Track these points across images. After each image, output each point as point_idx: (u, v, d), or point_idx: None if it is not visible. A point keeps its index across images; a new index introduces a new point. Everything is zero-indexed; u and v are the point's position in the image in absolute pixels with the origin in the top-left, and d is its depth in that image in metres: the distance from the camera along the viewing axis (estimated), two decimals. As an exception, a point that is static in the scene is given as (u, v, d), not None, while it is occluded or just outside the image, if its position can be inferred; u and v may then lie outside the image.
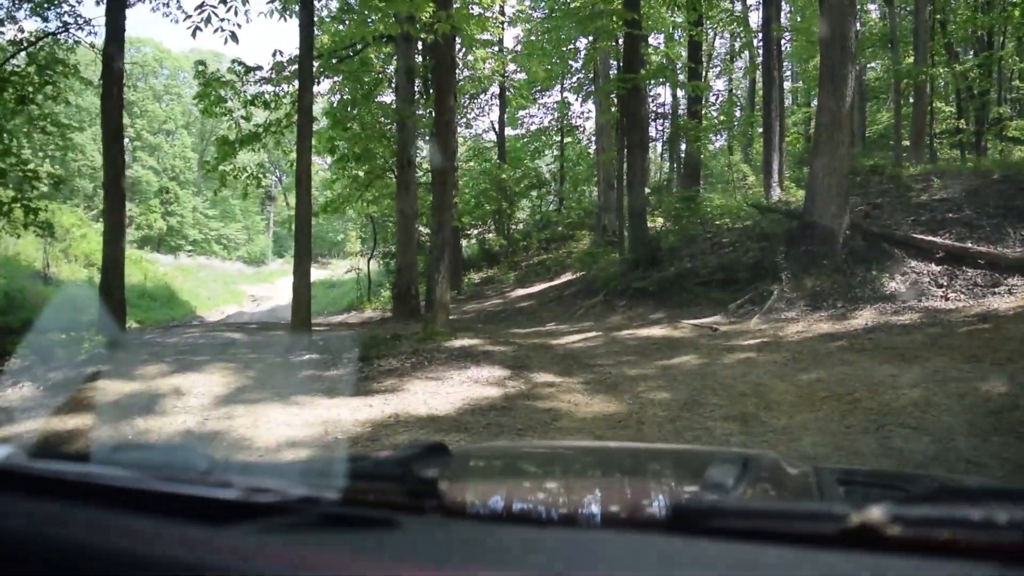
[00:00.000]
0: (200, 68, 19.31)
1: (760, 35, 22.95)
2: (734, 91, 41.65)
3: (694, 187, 22.82)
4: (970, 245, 13.50)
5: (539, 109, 35.45)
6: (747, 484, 1.61)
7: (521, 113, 34.81)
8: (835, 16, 13.83)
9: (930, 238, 13.84)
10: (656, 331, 13.03)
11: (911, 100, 26.78)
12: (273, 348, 13.31)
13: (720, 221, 17.88)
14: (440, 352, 11.29)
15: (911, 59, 26.53)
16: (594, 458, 2.68)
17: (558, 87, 33.98)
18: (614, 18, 16.27)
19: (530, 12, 28.20)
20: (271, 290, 41.84)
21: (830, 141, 13.88)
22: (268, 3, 16.87)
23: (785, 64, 40.56)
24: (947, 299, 12.43)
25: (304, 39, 13.36)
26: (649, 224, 20.16)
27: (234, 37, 15.20)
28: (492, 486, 2.07)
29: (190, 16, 14.89)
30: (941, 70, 29.60)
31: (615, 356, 11.00)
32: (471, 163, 31.82)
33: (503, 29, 27.82)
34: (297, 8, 14.76)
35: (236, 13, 16.73)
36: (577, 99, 32.21)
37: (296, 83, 20.02)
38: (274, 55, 19.36)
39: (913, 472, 4.70)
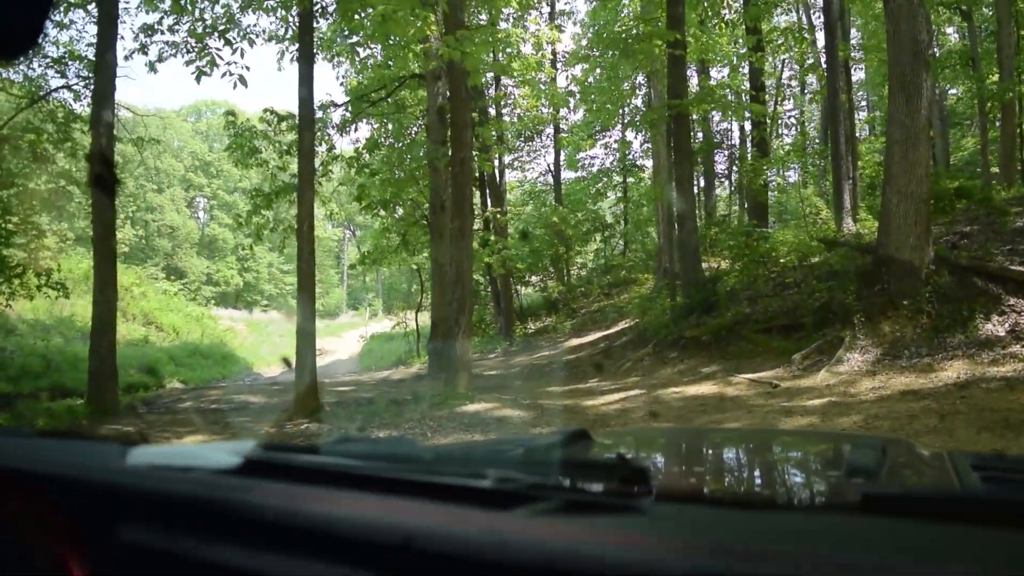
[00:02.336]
0: (230, 118, 18.21)
1: (824, 55, 20.80)
2: (806, 123, 39.24)
3: (760, 224, 20.74)
4: (1082, 277, 11.17)
5: (601, 150, 33.70)
6: (889, 468, 1.67)
7: (581, 155, 33.09)
8: (902, 14, 11.79)
9: (1031, 270, 11.55)
10: (706, 388, 11.04)
11: (997, 123, 24.53)
12: (277, 414, 11.83)
13: (785, 259, 15.73)
14: (450, 420, 9.60)
15: (995, 78, 24.10)
16: (741, 441, 2.88)
17: (619, 127, 32.24)
18: (657, 41, 14.48)
19: (583, 49, 26.43)
20: (337, 343, 40.75)
21: (904, 160, 11.76)
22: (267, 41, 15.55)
23: (860, 94, 38.31)
24: (1060, 344, 10.15)
25: (303, 73, 11.92)
26: (710, 265, 18.17)
27: (242, 80, 14.02)
28: (679, 470, 2.08)
29: (193, 61, 13.78)
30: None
31: (650, 422, 9.06)
32: (528, 207, 30.15)
33: (548, 63, 26.22)
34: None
35: (242, 55, 15.52)
36: (635, 137, 30.32)
37: (332, 131, 18.93)
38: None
39: None
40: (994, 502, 1.08)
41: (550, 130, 29.08)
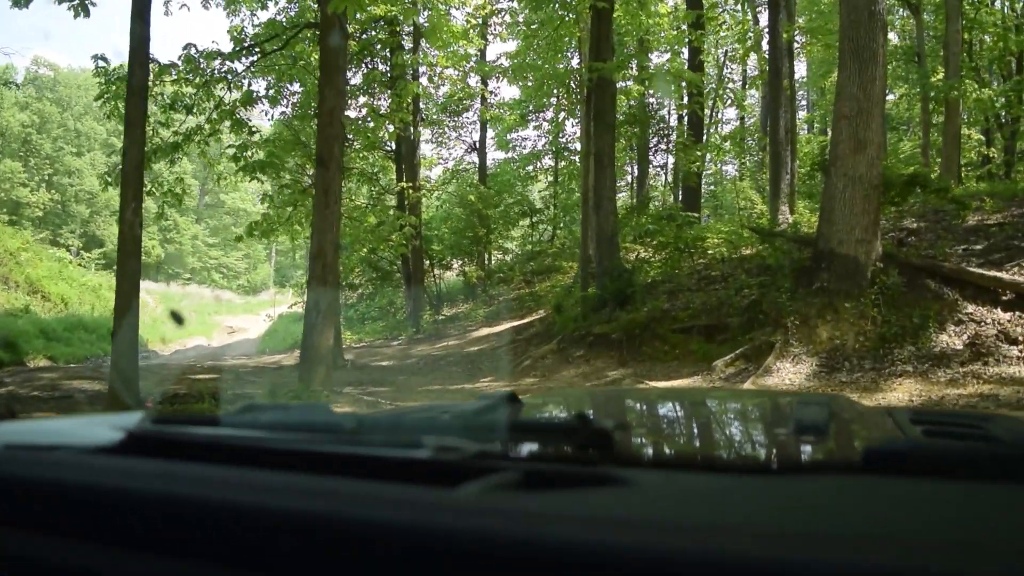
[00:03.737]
0: (102, 66, 15.59)
1: (767, 34, 18.89)
2: (745, 118, 37.65)
3: (691, 212, 18.85)
4: (1051, 284, 9.35)
5: (533, 131, 31.58)
6: (838, 424, 1.64)
7: (512, 135, 30.89)
8: (860, -29, 9.83)
9: (994, 273, 9.69)
10: (609, 398, 8.96)
11: (936, 122, 23.34)
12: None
13: (713, 251, 13.77)
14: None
15: (940, 76, 22.74)
16: (682, 400, 2.72)
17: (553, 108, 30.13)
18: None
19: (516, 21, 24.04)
20: (253, 322, 38.10)
21: (853, 139, 9.82)
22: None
23: (801, 93, 36.72)
24: (1026, 361, 8.28)
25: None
26: (638, 256, 16.15)
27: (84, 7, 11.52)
28: (641, 432, 1.82)
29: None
30: (975, 86, 25.99)
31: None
32: (449, 187, 27.84)
33: (477, 33, 23.94)
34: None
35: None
36: (567, 120, 28.15)
37: (222, 84, 16.39)
38: (186, 48, 15.50)
39: (979, 412, 4.36)
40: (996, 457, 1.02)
41: (480, 106, 26.75)
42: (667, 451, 1.62)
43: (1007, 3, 33.03)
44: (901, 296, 9.55)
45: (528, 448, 1.15)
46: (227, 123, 14.83)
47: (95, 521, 0.87)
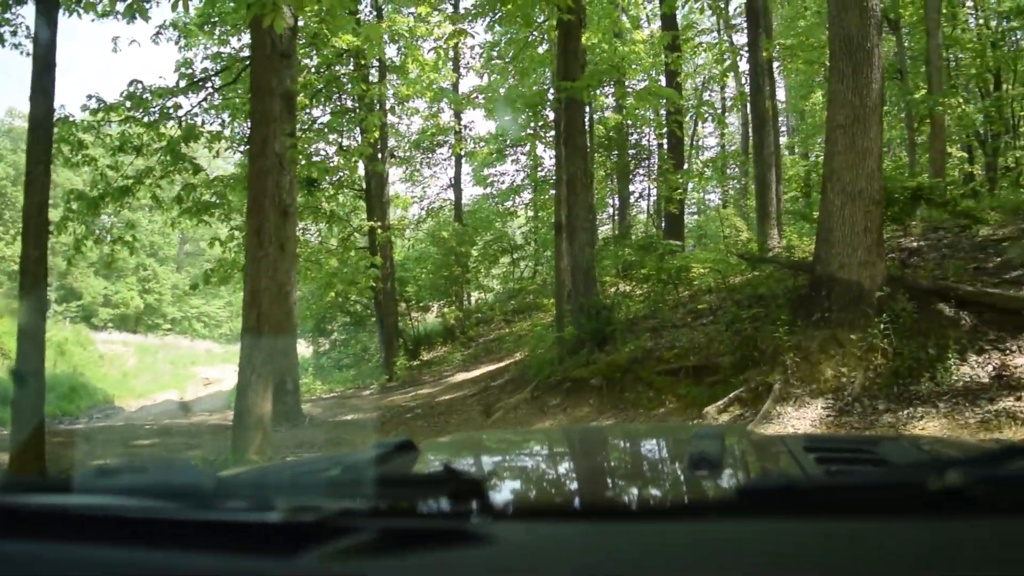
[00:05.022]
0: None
1: (747, 52, 17.87)
2: (725, 145, 36.78)
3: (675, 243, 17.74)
4: (1082, 304, 8.16)
5: (512, 165, 30.55)
6: (733, 456, 1.66)
7: (489, 171, 29.81)
8: (849, -37, 8.74)
9: (1015, 293, 8.51)
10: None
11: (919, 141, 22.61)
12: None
13: (699, 281, 12.56)
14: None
15: (923, 92, 21.96)
16: (580, 442, 2.56)
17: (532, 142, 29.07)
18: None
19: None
20: (231, 372, 36.64)
21: (851, 150, 8.66)
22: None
23: (781, 119, 35.86)
24: (1067, 395, 7.06)
25: (40, 22, 8.34)
26: (619, 290, 14.94)
27: None
28: (513, 480, 1.81)
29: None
30: (959, 101, 25.21)
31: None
32: (423, 225, 26.65)
33: (450, 66, 22.90)
34: None
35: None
36: (545, 151, 27.09)
37: (171, 123, 15.20)
38: (131, 85, 14.34)
39: (872, 436, 4.30)
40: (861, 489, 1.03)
41: (454, 141, 25.63)
42: (542, 498, 1.54)
43: (982, 20, 32.61)
44: (913, 324, 8.34)
45: (393, 504, 1.06)
46: (168, 159, 13.58)
47: None
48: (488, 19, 13.05)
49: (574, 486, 1.75)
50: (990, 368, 7.75)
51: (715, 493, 1.41)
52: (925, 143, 23.43)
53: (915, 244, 11.41)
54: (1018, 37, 30.17)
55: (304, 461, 2.07)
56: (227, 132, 15.53)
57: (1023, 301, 8.30)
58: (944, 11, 23.38)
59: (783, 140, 35.47)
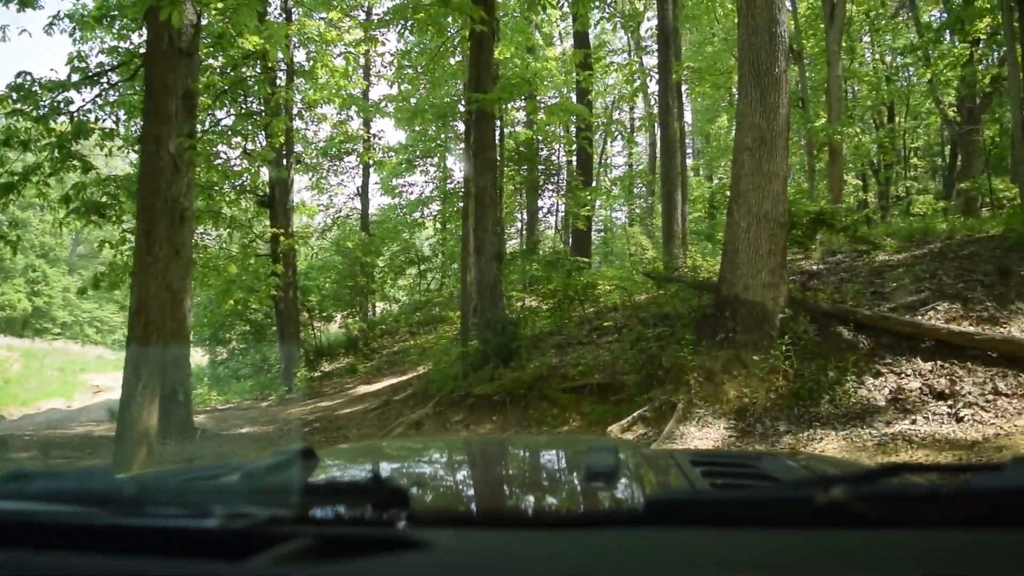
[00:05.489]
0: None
1: (657, 73, 18.06)
2: (632, 165, 37.29)
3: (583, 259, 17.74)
4: (972, 329, 8.37)
5: (420, 176, 30.25)
6: (627, 470, 1.72)
7: (398, 181, 29.42)
8: (758, -12, 8.82)
9: (913, 319, 8.68)
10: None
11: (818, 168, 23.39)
12: None
13: (604, 298, 12.51)
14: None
15: (823, 120, 22.66)
16: (483, 451, 2.65)
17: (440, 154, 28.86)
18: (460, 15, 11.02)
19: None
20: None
21: (757, 173, 8.72)
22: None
23: (688, 141, 36.56)
24: (959, 419, 7.19)
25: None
26: (526, 305, 14.79)
27: None
28: (435, 488, 1.82)
29: None
30: (856, 130, 26.15)
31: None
32: (329, 234, 26.02)
33: (360, 73, 22.49)
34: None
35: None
36: (456, 163, 26.90)
37: (62, 118, 14.37)
38: (19, 76, 13.48)
39: (753, 452, 4.24)
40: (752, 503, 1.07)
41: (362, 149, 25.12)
42: (461, 507, 1.58)
43: (878, 55, 34.05)
44: (814, 347, 8.43)
45: (322, 511, 1.08)
46: (58, 156, 12.82)
47: None
48: (399, 27, 12.75)
49: (493, 494, 1.77)
50: (886, 391, 7.86)
51: (624, 504, 1.45)
52: (823, 170, 24.17)
53: (815, 268, 11.62)
54: (911, 73, 31.58)
55: (212, 466, 1.98)
56: (122, 130, 14.74)
57: (918, 326, 8.47)
58: (844, 44, 24.26)
59: (689, 162, 36.27)
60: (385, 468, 2.01)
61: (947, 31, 25.39)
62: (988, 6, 23.36)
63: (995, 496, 1.00)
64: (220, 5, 12.26)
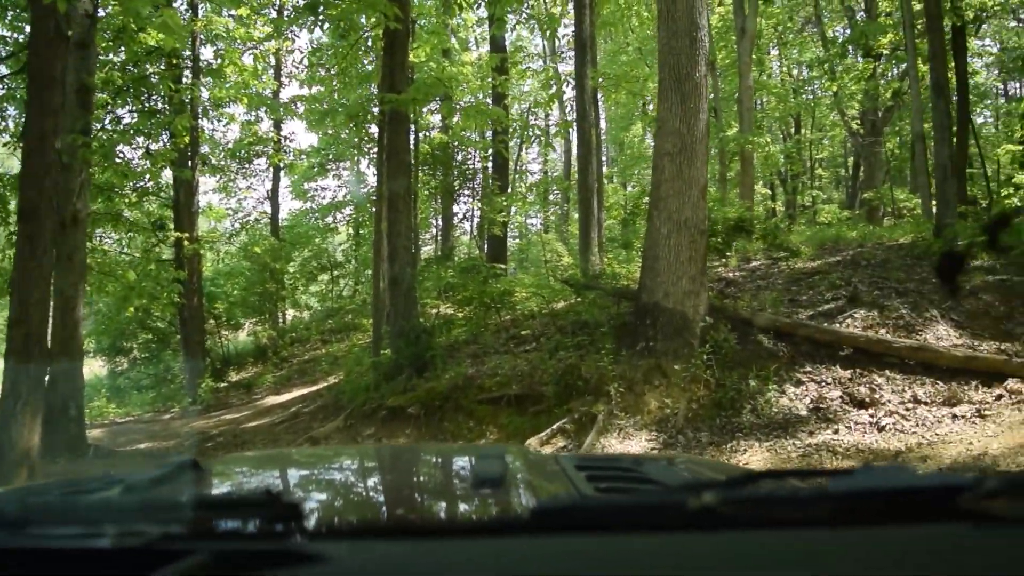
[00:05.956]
0: None
1: (573, 80, 17.85)
2: (548, 172, 37.26)
3: (499, 266, 17.42)
4: (890, 337, 8.33)
5: (333, 180, 29.51)
6: (514, 476, 1.69)
7: (311, 185, 28.62)
8: (679, -9, 8.63)
9: (831, 326, 8.60)
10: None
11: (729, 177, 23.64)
12: None
13: (522, 306, 12.20)
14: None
15: (735, 129, 22.89)
16: (377, 460, 2.59)
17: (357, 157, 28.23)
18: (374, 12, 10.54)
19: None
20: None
21: (678, 178, 8.53)
22: None
23: (602, 149, 36.68)
24: (880, 428, 7.10)
25: None
26: (441, 312, 14.36)
27: None
28: (324, 500, 1.76)
29: None
30: (767, 140, 26.65)
31: None
32: (237, 238, 25.05)
33: (271, 73, 21.75)
34: None
35: None
36: (369, 166, 26.24)
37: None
38: None
39: (637, 456, 4.08)
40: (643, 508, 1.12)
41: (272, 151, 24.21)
42: (355, 517, 1.53)
43: (786, 68, 34.87)
44: (734, 355, 8.26)
45: (217, 525, 1.05)
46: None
47: None
48: (311, 23, 12.19)
49: (388, 503, 1.75)
50: (808, 400, 7.74)
51: (511, 512, 1.46)
52: (734, 179, 24.42)
53: (731, 275, 11.54)
54: (815, 87, 32.42)
55: (94, 479, 1.81)
56: (11, 126, 13.77)
57: (836, 334, 8.39)
58: (754, 56, 24.65)
59: (603, 169, 36.42)
60: (280, 479, 1.96)
61: (851, 46, 26.05)
62: (891, 23, 24.10)
63: (848, 498, 1.07)
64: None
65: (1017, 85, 34.64)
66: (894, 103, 25.63)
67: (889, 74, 26.20)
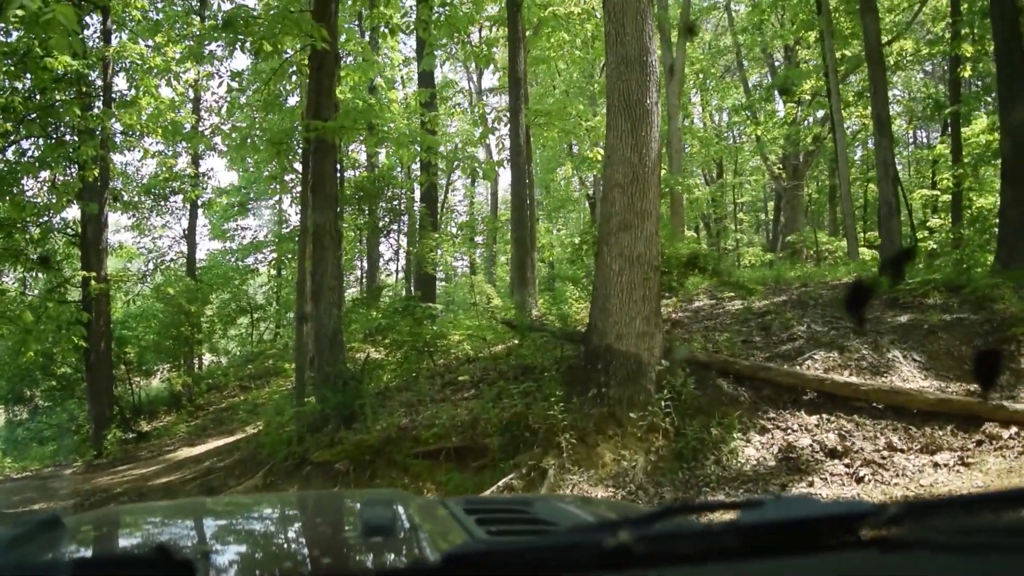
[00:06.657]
0: None
1: (507, 116, 17.25)
2: (475, 212, 36.73)
3: (434, 306, 16.56)
4: (856, 380, 7.76)
5: (254, 220, 28.27)
6: (406, 522, 1.65)
7: (231, 225, 27.42)
8: (628, 10, 8.05)
9: (790, 368, 8.00)
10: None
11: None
12: None
13: (457, 349, 11.37)
14: None
15: (664, 170, 22.64)
16: (251, 509, 2.45)
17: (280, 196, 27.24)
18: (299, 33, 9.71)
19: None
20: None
21: (629, 211, 7.86)
22: None
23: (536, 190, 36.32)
24: (859, 479, 6.47)
25: None
26: (369, 356, 13.38)
27: None
28: (214, 556, 1.62)
29: None
30: (696, 182, 26.72)
31: None
32: (151, 279, 23.61)
33: (189, 106, 20.64)
34: None
35: None
36: (292, 204, 25.20)
37: None
38: None
39: (523, 496, 4.21)
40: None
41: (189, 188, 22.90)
42: (248, 573, 1.50)
43: (707, 113, 35.27)
44: (694, 401, 7.58)
45: None
46: None
47: None
48: (229, 49, 11.32)
49: (282, 557, 1.68)
50: (775, 450, 7.08)
51: (414, 559, 1.43)
52: (664, 220, 24.14)
53: (676, 316, 10.93)
54: (736, 132, 32.81)
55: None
56: None
57: (800, 377, 7.80)
58: (682, 99, 24.68)
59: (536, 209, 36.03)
60: (163, 539, 1.80)
61: (774, 91, 26.32)
62: (811, 69, 24.39)
63: (757, 530, 1.05)
64: (20, 13, 10.49)
65: (924, 133, 35.73)
66: (814, 148, 25.85)
67: (809, 119, 26.47)
